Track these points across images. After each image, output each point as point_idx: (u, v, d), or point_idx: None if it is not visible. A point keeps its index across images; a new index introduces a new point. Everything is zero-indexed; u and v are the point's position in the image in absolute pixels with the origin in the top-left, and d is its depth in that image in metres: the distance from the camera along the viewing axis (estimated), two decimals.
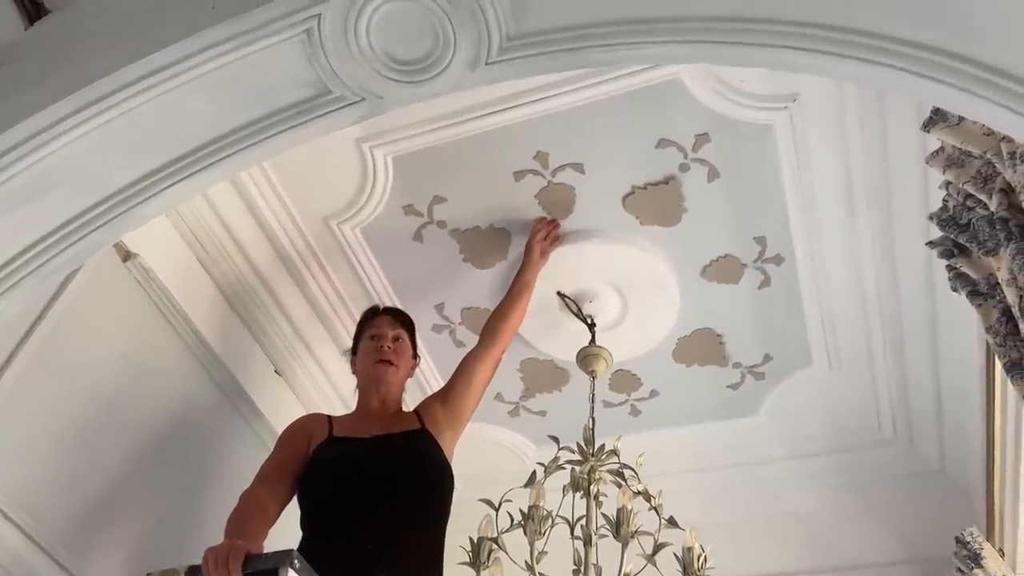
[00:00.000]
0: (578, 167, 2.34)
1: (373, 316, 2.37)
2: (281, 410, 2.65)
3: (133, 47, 1.47)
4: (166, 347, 2.37)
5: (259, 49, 1.46)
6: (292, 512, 2.03)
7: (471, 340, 2.70)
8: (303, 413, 2.57)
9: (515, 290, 2.46)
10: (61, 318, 2.04)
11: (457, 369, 2.38)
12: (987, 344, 2.17)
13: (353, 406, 2.34)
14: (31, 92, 1.50)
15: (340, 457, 2.05)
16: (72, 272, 1.96)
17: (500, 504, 2.31)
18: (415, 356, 2.37)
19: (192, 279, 2.43)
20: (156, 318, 2.33)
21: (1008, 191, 1.62)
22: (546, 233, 2.45)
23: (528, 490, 2.35)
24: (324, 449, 2.07)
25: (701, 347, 2.81)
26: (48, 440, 2.10)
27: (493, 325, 2.43)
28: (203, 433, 2.51)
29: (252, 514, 1.89)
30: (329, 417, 2.21)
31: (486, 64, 1.47)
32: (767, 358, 2.84)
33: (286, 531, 1.97)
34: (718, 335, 2.77)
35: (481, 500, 2.31)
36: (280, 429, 2.28)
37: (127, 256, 2.21)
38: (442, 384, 2.53)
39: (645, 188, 2.37)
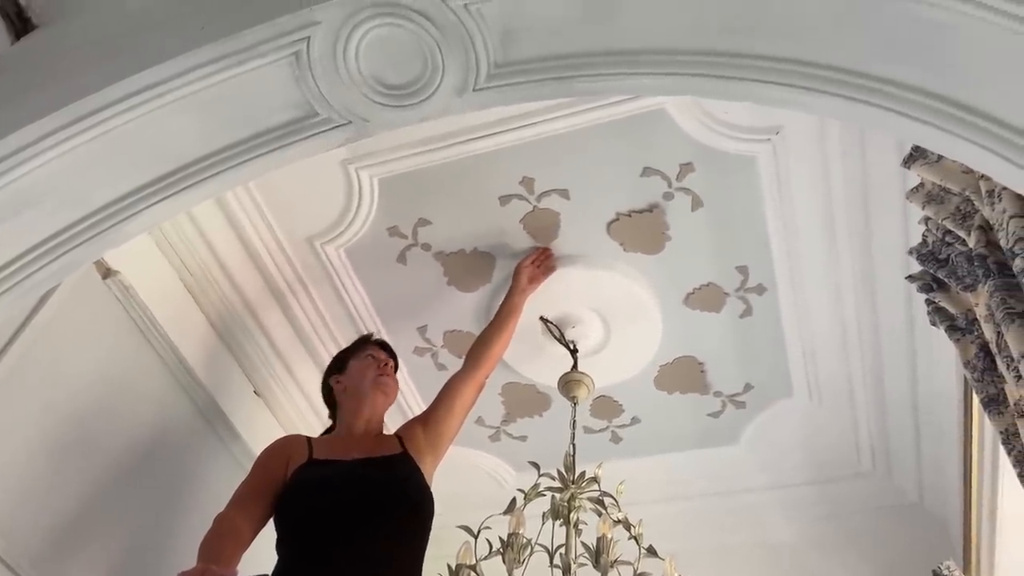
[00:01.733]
0: (563, 193, 2.35)
1: (367, 343, 2.38)
2: (259, 432, 2.62)
3: (121, 65, 1.47)
4: (144, 365, 2.35)
5: (247, 70, 1.46)
6: (266, 536, 2.00)
7: (453, 363, 2.70)
8: (282, 435, 2.52)
9: (501, 315, 2.46)
10: (39, 334, 2.02)
11: (440, 392, 2.37)
12: (965, 379, 2.19)
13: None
14: (16, 107, 1.49)
15: (321, 480, 2.02)
16: (51, 288, 1.94)
17: (479, 531, 2.30)
18: None
19: (173, 297, 2.41)
20: (135, 336, 2.31)
21: (986, 228, 1.64)
22: (535, 258, 2.46)
23: (507, 517, 2.33)
24: (304, 471, 2.04)
25: (683, 375, 2.82)
26: (21, 457, 2.06)
27: (478, 349, 2.43)
28: (179, 453, 2.48)
29: (226, 537, 1.86)
30: (309, 439, 2.18)
31: (474, 90, 1.48)
32: (748, 387, 2.85)
33: (260, 556, 1.94)
34: (700, 363, 2.78)
35: (460, 527, 2.29)
36: (258, 451, 2.25)
37: (107, 273, 2.19)
38: (424, 407, 2.52)
39: (629, 215, 2.39)
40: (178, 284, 2.43)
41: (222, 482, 2.19)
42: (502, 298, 2.53)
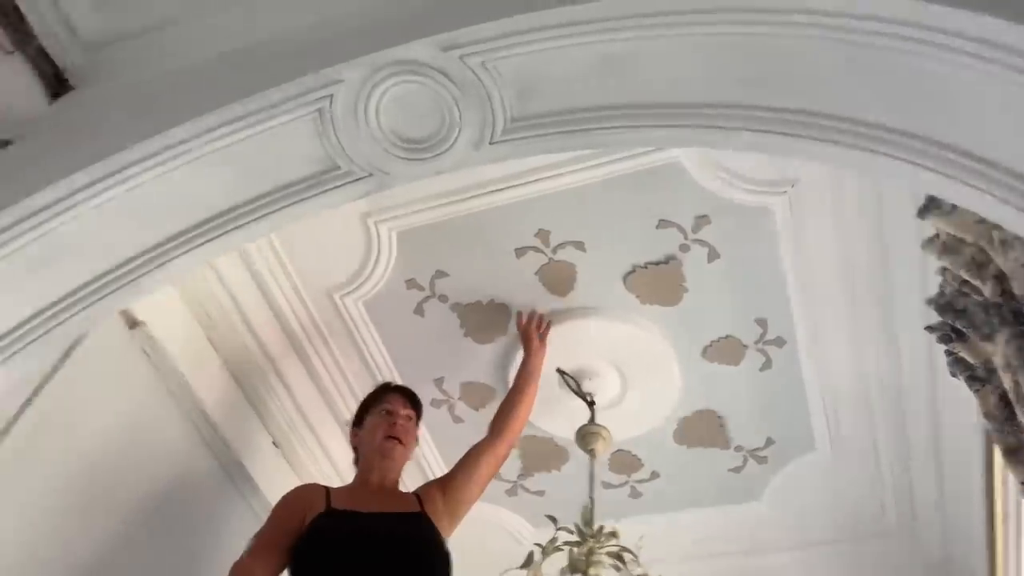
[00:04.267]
0: (579, 245, 2.38)
1: (386, 392, 2.36)
2: (278, 484, 2.60)
3: (152, 122, 1.53)
4: (166, 416, 2.37)
5: (272, 126, 1.52)
6: None
7: (470, 415, 2.70)
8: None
9: (520, 382, 2.46)
10: (65, 384, 2.04)
11: (461, 460, 2.34)
12: (986, 430, 2.16)
13: (349, 481, 2.31)
14: (51, 162, 1.55)
15: (339, 531, 2.00)
16: (78, 338, 1.98)
17: None
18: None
19: (196, 349, 2.44)
20: (158, 387, 2.33)
21: (1001, 278, 1.65)
22: (537, 321, 2.49)
23: (524, 572, 2.30)
24: (322, 521, 2.02)
25: (702, 429, 2.79)
26: (41, 507, 2.06)
27: (500, 420, 2.40)
28: (198, 505, 2.48)
29: None
30: (327, 488, 2.17)
31: (490, 143, 1.52)
32: (769, 441, 2.81)
33: None
34: (719, 417, 2.76)
35: None
36: (274, 503, 2.25)
37: (133, 324, 2.23)
38: (438, 458, 2.51)
39: (646, 267, 2.40)
40: (201, 336, 2.46)
41: (240, 534, 2.18)
42: (518, 350, 2.55)
